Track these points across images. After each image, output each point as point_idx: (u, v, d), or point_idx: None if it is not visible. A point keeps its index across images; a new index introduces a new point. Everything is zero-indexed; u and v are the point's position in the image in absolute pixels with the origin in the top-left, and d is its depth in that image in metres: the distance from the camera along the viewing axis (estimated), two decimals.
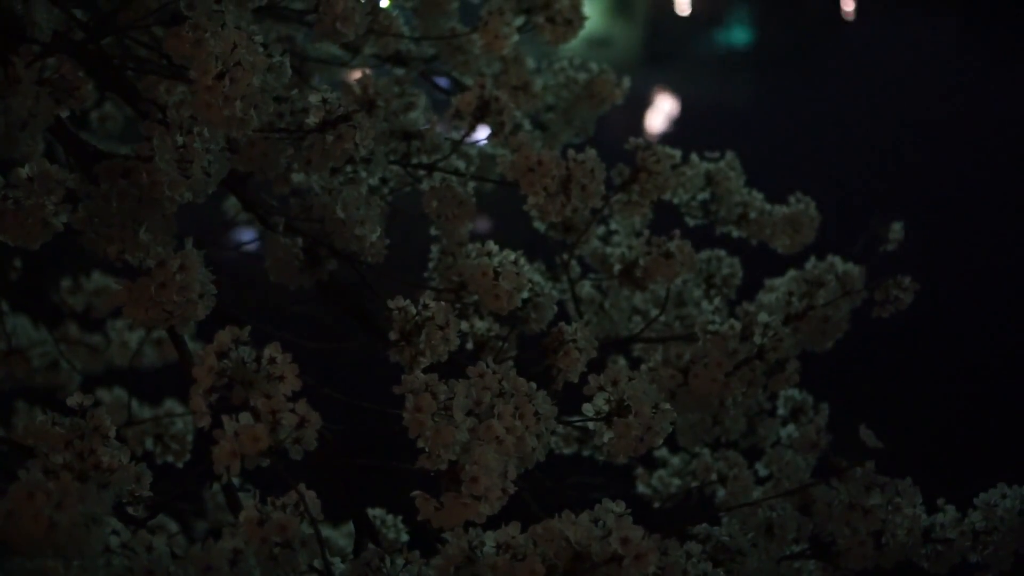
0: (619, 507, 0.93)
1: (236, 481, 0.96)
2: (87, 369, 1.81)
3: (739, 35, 7.44)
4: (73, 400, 0.98)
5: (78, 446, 0.95)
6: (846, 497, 1.06)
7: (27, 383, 1.75)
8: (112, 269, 1.06)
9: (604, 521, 0.91)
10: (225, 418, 0.86)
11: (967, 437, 3.18)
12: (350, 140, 1.07)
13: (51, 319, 1.82)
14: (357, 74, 1.61)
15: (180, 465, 1.43)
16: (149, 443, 1.40)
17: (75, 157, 1.10)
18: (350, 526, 1.69)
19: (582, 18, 1.47)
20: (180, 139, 0.97)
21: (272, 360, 0.90)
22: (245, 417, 0.86)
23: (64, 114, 1.07)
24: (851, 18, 7.40)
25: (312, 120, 1.10)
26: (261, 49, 0.99)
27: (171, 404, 1.64)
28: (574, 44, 1.51)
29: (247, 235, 1.84)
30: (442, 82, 1.60)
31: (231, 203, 1.80)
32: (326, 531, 1.39)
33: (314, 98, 1.10)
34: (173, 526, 1.59)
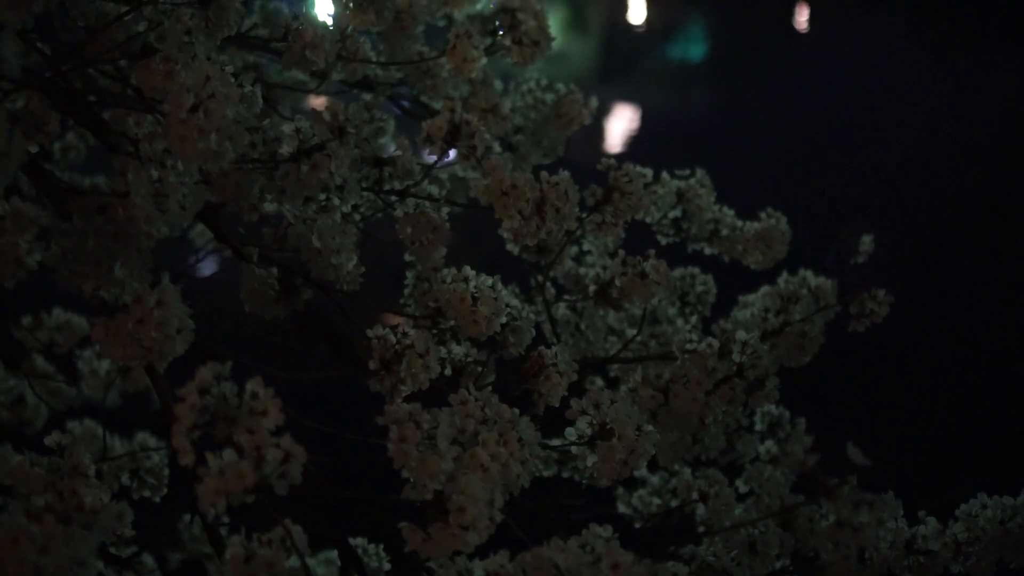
0: (606, 532, 0.93)
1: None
2: (56, 402, 1.79)
3: (694, 48, 7.48)
4: (51, 440, 0.97)
5: (59, 486, 0.94)
6: (833, 515, 1.06)
7: None
8: (74, 304, 1.05)
9: (593, 546, 0.91)
10: (209, 456, 0.85)
11: (945, 448, 3.19)
12: (325, 169, 1.07)
13: (14, 355, 1.80)
14: (323, 100, 1.61)
15: (157, 499, 1.41)
16: (125, 478, 1.38)
17: (45, 193, 1.09)
18: (329, 554, 1.68)
19: (549, 39, 1.48)
20: (155, 173, 0.96)
21: (254, 395, 0.89)
22: (229, 454, 0.85)
23: (33, 150, 1.06)
24: (805, 28, 7.45)
25: (286, 150, 1.09)
26: (232, 79, 0.98)
27: (143, 436, 1.62)
28: None
29: (217, 264, 1.83)
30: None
31: (198, 231, 1.79)
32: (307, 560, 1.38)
33: (287, 127, 1.10)
34: (149, 560, 1.57)
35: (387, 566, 1.30)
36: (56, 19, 1.31)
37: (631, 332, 1.48)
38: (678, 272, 1.53)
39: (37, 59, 1.20)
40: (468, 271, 1.18)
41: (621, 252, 1.36)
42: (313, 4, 1.38)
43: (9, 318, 1.83)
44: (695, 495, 1.34)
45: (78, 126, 1.58)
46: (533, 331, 1.26)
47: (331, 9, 1.41)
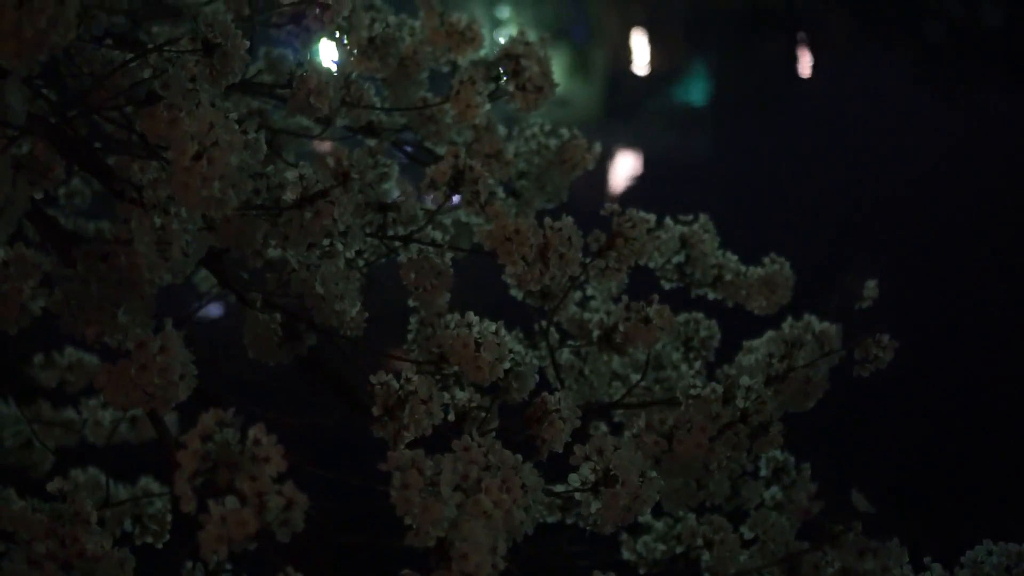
0: None
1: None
2: (61, 446, 1.79)
3: (697, 91, 7.51)
4: (53, 486, 0.97)
5: (60, 533, 0.93)
6: (838, 562, 1.05)
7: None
8: (85, 344, 1.05)
9: None
10: (211, 503, 0.85)
11: (951, 494, 3.18)
12: (328, 216, 1.07)
13: (23, 396, 1.80)
14: (328, 145, 1.62)
15: (159, 545, 1.41)
16: (128, 524, 1.37)
17: (49, 238, 1.10)
18: None
19: (552, 84, 1.48)
20: (158, 220, 0.96)
21: (257, 442, 0.89)
22: (231, 501, 0.85)
23: (38, 196, 1.07)
24: (808, 71, 7.47)
25: (289, 196, 1.09)
26: (236, 126, 0.99)
27: (147, 481, 1.61)
28: None
29: (220, 308, 1.83)
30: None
31: (202, 276, 1.79)
32: None
33: (291, 174, 1.10)
34: None
35: None
36: (62, 66, 1.32)
37: (635, 377, 1.47)
38: (682, 317, 1.53)
39: (42, 105, 1.20)
40: (471, 316, 1.18)
41: (625, 297, 1.36)
42: (318, 50, 1.39)
43: (20, 357, 1.83)
44: (700, 541, 1.34)
45: (83, 172, 1.58)
46: (536, 376, 1.26)
47: (336, 55, 1.42)
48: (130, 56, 1.17)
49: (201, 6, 1.42)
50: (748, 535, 1.36)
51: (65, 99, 1.21)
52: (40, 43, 0.87)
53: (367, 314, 1.22)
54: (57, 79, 1.31)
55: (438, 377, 1.21)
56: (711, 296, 1.55)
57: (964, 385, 3.66)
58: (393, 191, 1.40)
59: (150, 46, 1.24)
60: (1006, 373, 3.72)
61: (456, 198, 1.31)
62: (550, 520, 1.52)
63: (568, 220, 1.25)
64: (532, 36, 1.50)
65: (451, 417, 1.26)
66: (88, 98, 1.16)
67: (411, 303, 1.34)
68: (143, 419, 1.68)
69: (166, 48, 1.14)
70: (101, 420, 1.76)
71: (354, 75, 1.41)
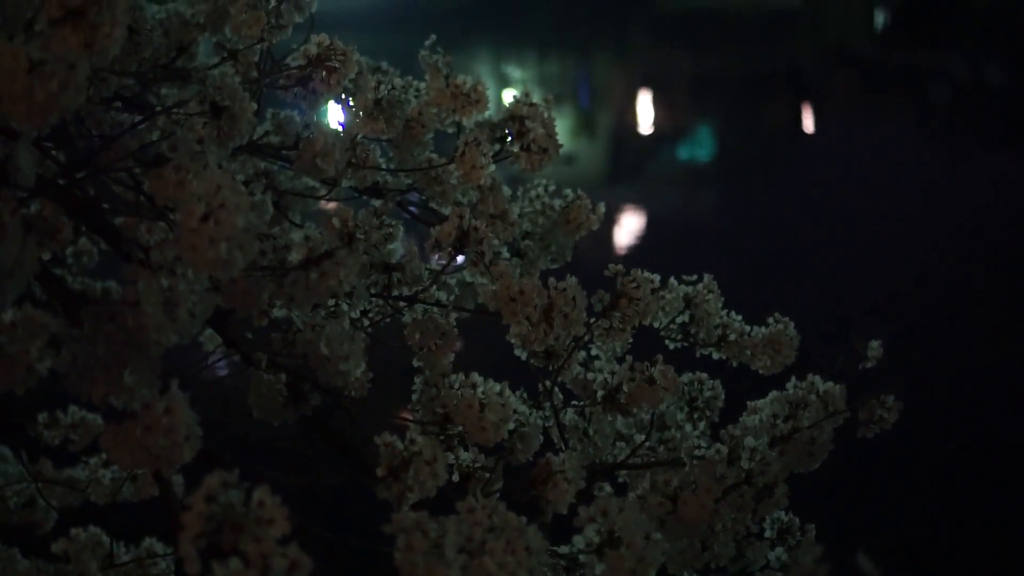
0: None
1: None
2: (64, 505, 1.79)
3: (701, 150, 7.54)
4: (57, 547, 0.97)
5: None
6: None
7: (2, 521, 1.72)
8: (90, 403, 1.05)
9: None
10: (216, 564, 0.84)
11: (956, 555, 3.16)
12: (334, 277, 1.08)
13: (27, 453, 1.80)
14: (333, 205, 1.63)
15: None
16: None
17: (56, 299, 1.10)
18: None
19: (557, 145, 1.49)
20: (165, 281, 0.97)
21: (261, 503, 0.89)
22: (235, 562, 0.85)
23: (46, 257, 1.07)
24: (811, 130, 7.51)
25: (295, 257, 1.10)
26: (243, 188, 0.99)
27: (150, 542, 1.61)
28: None
29: (225, 367, 1.83)
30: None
31: (207, 335, 1.80)
32: None
33: (296, 235, 1.11)
34: None
35: None
36: (71, 127, 1.33)
37: (639, 438, 1.47)
38: (686, 377, 1.53)
39: (51, 167, 1.21)
40: (476, 377, 1.19)
41: (629, 357, 1.36)
42: (324, 112, 1.40)
43: (24, 415, 1.83)
44: None
45: (90, 233, 1.59)
46: (541, 437, 1.27)
47: (342, 117, 1.43)
48: (138, 118, 1.19)
49: (209, 69, 1.44)
50: None
51: (74, 160, 1.22)
52: (51, 106, 0.88)
53: (372, 374, 1.22)
54: (66, 140, 1.32)
55: (442, 437, 1.21)
56: (715, 356, 1.55)
57: (970, 446, 3.66)
58: (398, 251, 1.41)
59: (158, 108, 1.25)
60: (1010, 433, 3.72)
61: (461, 258, 1.32)
62: None
63: (572, 280, 1.25)
64: (537, 97, 1.51)
65: (455, 478, 1.26)
66: (96, 159, 1.17)
67: (416, 363, 1.34)
68: (145, 478, 1.68)
69: (174, 110, 1.15)
70: (102, 478, 1.76)
71: (360, 136, 1.43)
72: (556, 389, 1.43)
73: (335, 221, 1.34)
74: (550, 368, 1.42)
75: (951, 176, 6.23)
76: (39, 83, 0.86)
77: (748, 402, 1.49)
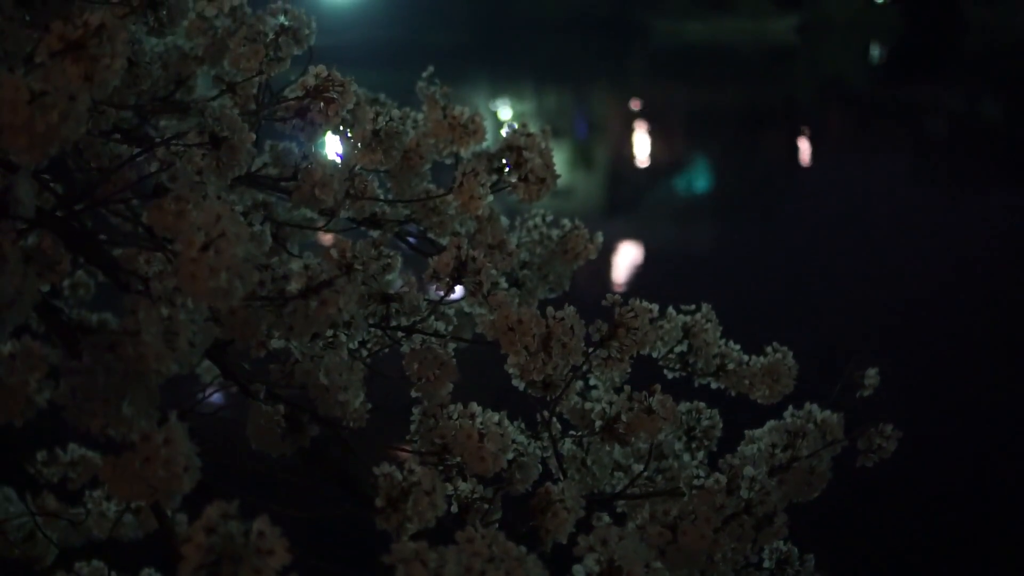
0: None
1: None
2: (65, 541, 1.78)
3: (698, 182, 7.56)
4: None
5: None
6: None
7: (3, 555, 1.71)
8: (89, 439, 1.05)
9: None
10: None
11: None
12: (333, 306, 1.08)
13: (27, 489, 1.79)
14: (331, 236, 1.63)
15: None
16: None
17: (55, 330, 1.10)
18: None
19: (554, 176, 1.49)
20: (165, 312, 0.97)
21: (261, 534, 0.89)
22: None
23: (45, 288, 1.07)
24: (808, 163, 7.53)
25: (294, 287, 1.10)
26: (242, 218, 1.00)
27: (150, 573, 1.61)
28: None
29: (223, 398, 1.83)
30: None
31: (205, 366, 1.80)
32: None
33: (295, 265, 1.11)
34: None
35: None
36: (70, 159, 1.33)
37: (638, 467, 1.47)
38: (684, 407, 1.53)
39: (50, 199, 1.22)
40: (474, 407, 1.19)
41: (627, 387, 1.36)
42: (322, 144, 1.41)
43: (23, 453, 1.83)
44: None
45: (89, 265, 1.59)
46: (539, 467, 1.26)
47: (340, 148, 1.44)
48: (137, 150, 1.19)
49: (208, 101, 1.44)
50: None
51: (72, 192, 1.22)
52: (51, 138, 0.88)
53: (370, 405, 1.22)
54: (65, 172, 1.33)
55: (441, 468, 1.21)
56: (714, 385, 1.55)
57: (968, 475, 3.65)
58: (396, 282, 1.41)
59: (157, 140, 1.26)
60: (1008, 462, 3.71)
61: (459, 289, 1.32)
62: None
63: (570, 310, 1.25)
64: (534, 128, 1.52)
65: (454, 508, 1.26)
66: (95, 191, 1.18)
67: (414, 394, 1.34)
68: (146, 511, 1.68)
69: (173, 142, 1.15)
70: (105, 512, 1.75)
71: (358, 167, 1.43)
72: (554, 419, 1.43)
73: (333, 252, 1.34)
74: (548, 398, 1.42)
75: (946, 209, 6.25)
76: (39, 114, 0.87)
77: (746, 431, 1.49)
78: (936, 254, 5.48)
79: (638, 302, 1.35)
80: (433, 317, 1.33)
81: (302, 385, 1.18)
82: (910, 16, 27.12)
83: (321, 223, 1.53)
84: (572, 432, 1.48)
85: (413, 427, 1.35)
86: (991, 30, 23.79)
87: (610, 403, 1.38)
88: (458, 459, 1.19)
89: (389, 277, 1.44)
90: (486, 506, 1.24)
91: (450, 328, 1.35)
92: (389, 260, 1.46)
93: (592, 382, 1.50)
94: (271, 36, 1.37)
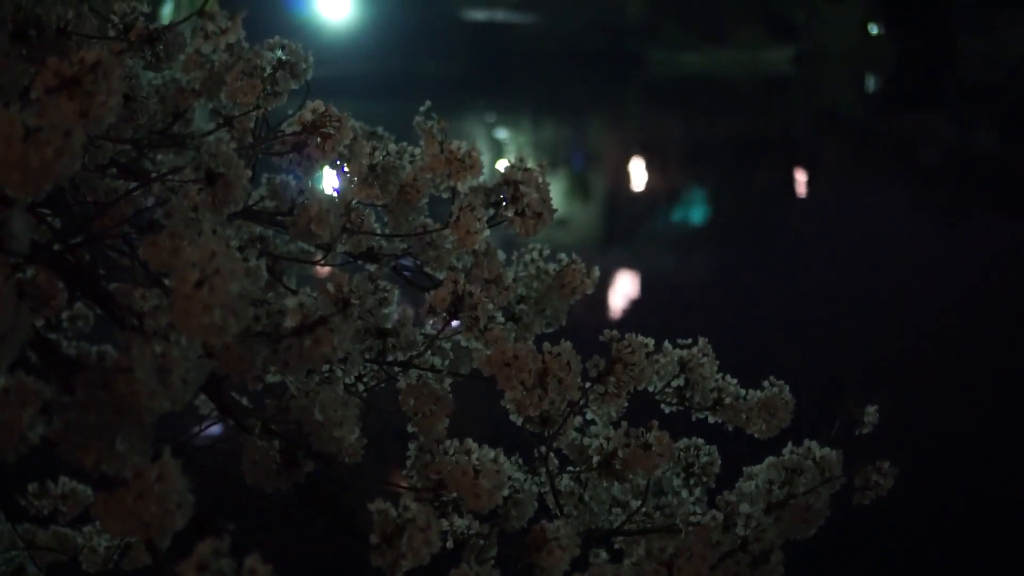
0: None
1: None
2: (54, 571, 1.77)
3: (695, 213, 7.57)
4: None
5: None
6: None
7: None
8: (80, 473, 1.04)
9: None
10: None
11: None
12: (328, 344, 1.07)
13: (17, 519, 1.78)
14: (327, 270, 1.63)
15: None
16: None
17: (49, 365, 1.10)
18: None
19: (551, 210, 1.49)
20: (158, 348, 0.97)
21: (253, 571, 0.89)
22: None
23: (39, 322, 1.07)
24: (804, 193, 7.54)
25: (289, 323, 1.10)
26: (237, 254, 0.99)
27: None
28: None
29: (218, 432, 1.82)
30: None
31: (201, 400, 1.79)
32: None
33: (291, 301, 1.11)
34: None
35: None
36: (66, 194, 1.33)
37: (635, 504, 1.46)
38: (682, 443, 1.53)
39: (46, 233, 1.21)
40: (470, 443, 1.18)
41: (624, 423, 1.36)
42: (319, 178, 1.41)
43: (14, 485, 1.82)
44: None
45: (85, 299, 1.59)
46: (536, 503, 1.26)
47: (337, 183, 1.44)
48: (134, 185, 1.19)
49: (204, 136, 1.44)
50: None
51: (68, 227, 1.22)
52: (46, 173, 0.88)
53: (366, 440, 1.22)
54: (61, 207, 1.32)
55: (437, 504, 1.21)
56: (711, 420, 1.54)
57: (966, 511, 3.64)
58: (393, 316, 1.41)
59: (154, 175, 1.26)
60: (1006, 497, 3.70)
61: (455, 323, 1.32)
62: None
63: (567, 345, 1.25)
64: (531, 162, 1.52)
65: (450, 545, 1.25)
66: (91, 226, 1.17)
67: (410, 429, 1.34)
68: (139, 546, 1.67)
69: (169, 177, 1.15)
70: (97, 547, 1.74)
71: (355, 202, 1.43)
72: (551, 455, 1.43)
73: (330, 286, 1.34)
74: (545, 433, 1.41)
75: (942, 238, 6.26)
76: (35, 150, 0.87)
77: (744, 468, 1.49)
78: (933, 284, 5.49)
79: (634, 337, 1.35)
80: (429, 352, 1.33)
81: (297, 420, 1.17)
82: (905, 47, 27.26)
83: (318, 257, 1.53)
84: (569, 468, 1.48)
85: (409, 463, 1.35)
86: (985, 60, 23.91)
87: (607, 439, 1.38)
88: (454, 495, 1.19)
89: (385, 311, 1.44)
90: (482, 542, 1.23)
91: (446, 363, 1.35)
92: (385, 295, 1.46)
93: (589, 417, 1.50)
94: (268, 70, 1.37)
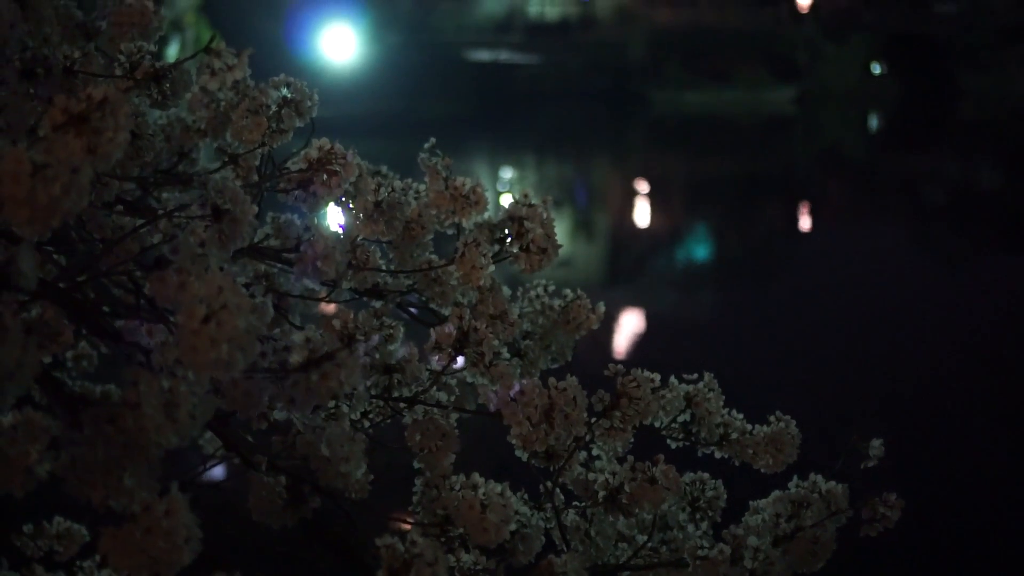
0: None
1: None
2: None
3: (700, 250, 7.58)
4: None
5: None
6: None
7: None
8: (75, 513, 1.04)
9: None
10: None
11: None
12: (334, 379, 1.08)
13: (13, 560, 1.77)
14: (333, 306, 1.63)
15: None
16: None
17: (56, 402, 1.10)
18: None
19: (556, 246, 1.50)
20: (166, 384, 0.97)
21: None
22: None
23: (46, 359, 1.07)
24: (807, 231, 7.55)
25: (296, 359, 1.10)
26: (244, 290, 1.00)
27: None
28: None
29: (224, 469, 1.82)
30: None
31: (207, 437, 1.79)
32: None
33: (298, 336, 1.11)
34: None
35: None
36: (72, 231, 1.34)
37: (642, 538, 1.46)
38: (688, 477, 1.52)
39: (53, 270, 1.22)
40: (477, 478, 1.18)
41: (630, 457, 1.36)
42: (325, 215, 1.42)
43: (10, 525, 1.82)
44: None
45: (91, 336, 1.59)
46: (543, 538, 1.26)
47: (342, 220, 1.45)
48: (140, 222, 1.20)
49: (210, 173, 1.45)
50: None
51: (75, 264, 1.23)
52: (54, 210, 0.88)
53: (372, 476, 1.22)
54: (67, 244, 1.33)
55: (443, 539, 1.21)
56: (717, 455, 1.54)
57: (971, 544, 3.63)
58: (399, 352, 1.41)
59: (160, 212, 1.26)
60: (1010, 530, 3.69)
61: (461, 359, 1.32)
62: None
63: (573, 380, 1.25)
64: (535, 199, 1.53)
65: None
66: (98, 263, 1.18)
67: (416, 465, 1.34)
68: None
69: (176, 214, 1.16)
70: None
71: (360, 239, 1.44)
72: (557, 490, 1.43)
73: (336, 322, 1.34)
74: (551, 468, 1.41)
75: (945, 277, 6.27)
76: (42, 187, 0.87)
77: (750, 502, 1.49)
78: (936, 322, 5.49)
79: (640, 372, 1.35)
80: (435, 387, 1.33)
81: (304, 456, 1.18)
82: (907, 86, 27.37)
83: (324, 294, 1.53)
84: (575, 503, 1.47)
85: (415, 498, 1.35)
86: (987, 99, 24.00)
87: (613, 474, 1.38)
88: (461, 530, 1.19)
89: (391, 347, 1.44)
90: None
91: (452, 399, 1.35)
92: (391, 330, 1.46)
93: (595, 452, 1.50)
94: (274, 108, 1.38)
